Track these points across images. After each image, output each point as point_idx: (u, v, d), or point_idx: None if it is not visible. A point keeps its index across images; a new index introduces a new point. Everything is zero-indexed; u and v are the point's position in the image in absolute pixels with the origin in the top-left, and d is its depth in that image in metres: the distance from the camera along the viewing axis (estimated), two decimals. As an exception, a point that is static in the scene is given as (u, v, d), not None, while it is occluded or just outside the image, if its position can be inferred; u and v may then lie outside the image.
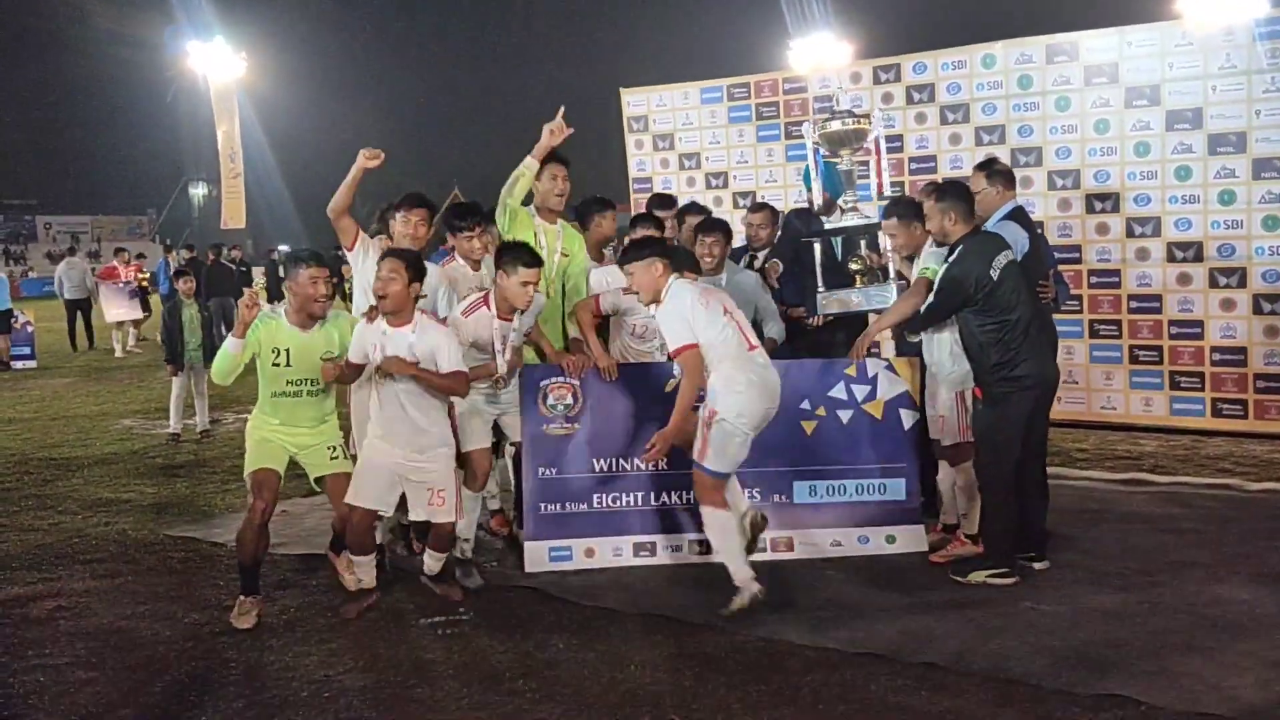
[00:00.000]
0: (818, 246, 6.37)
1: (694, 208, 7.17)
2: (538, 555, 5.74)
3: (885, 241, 6.10)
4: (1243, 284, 8.38)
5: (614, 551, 5.79)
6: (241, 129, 24.13)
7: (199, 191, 66.21)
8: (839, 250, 6.57)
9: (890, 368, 5.91)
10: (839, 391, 5.86)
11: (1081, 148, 8.88)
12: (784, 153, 10.36)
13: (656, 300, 5.18)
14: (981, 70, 9.28)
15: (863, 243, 6.29)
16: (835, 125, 6.11)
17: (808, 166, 6.58)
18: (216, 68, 23.87)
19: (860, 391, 5.87)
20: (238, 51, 24.36)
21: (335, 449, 5.31)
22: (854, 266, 6.27)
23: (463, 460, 5.47)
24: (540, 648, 4.69)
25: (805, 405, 5.85)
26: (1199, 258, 8.51)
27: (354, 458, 5.39)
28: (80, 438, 10.27)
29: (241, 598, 5.09)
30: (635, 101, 11.17)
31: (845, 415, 5.88)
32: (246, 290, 5.04)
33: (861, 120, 6.13)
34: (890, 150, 7.01)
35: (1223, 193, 8.38)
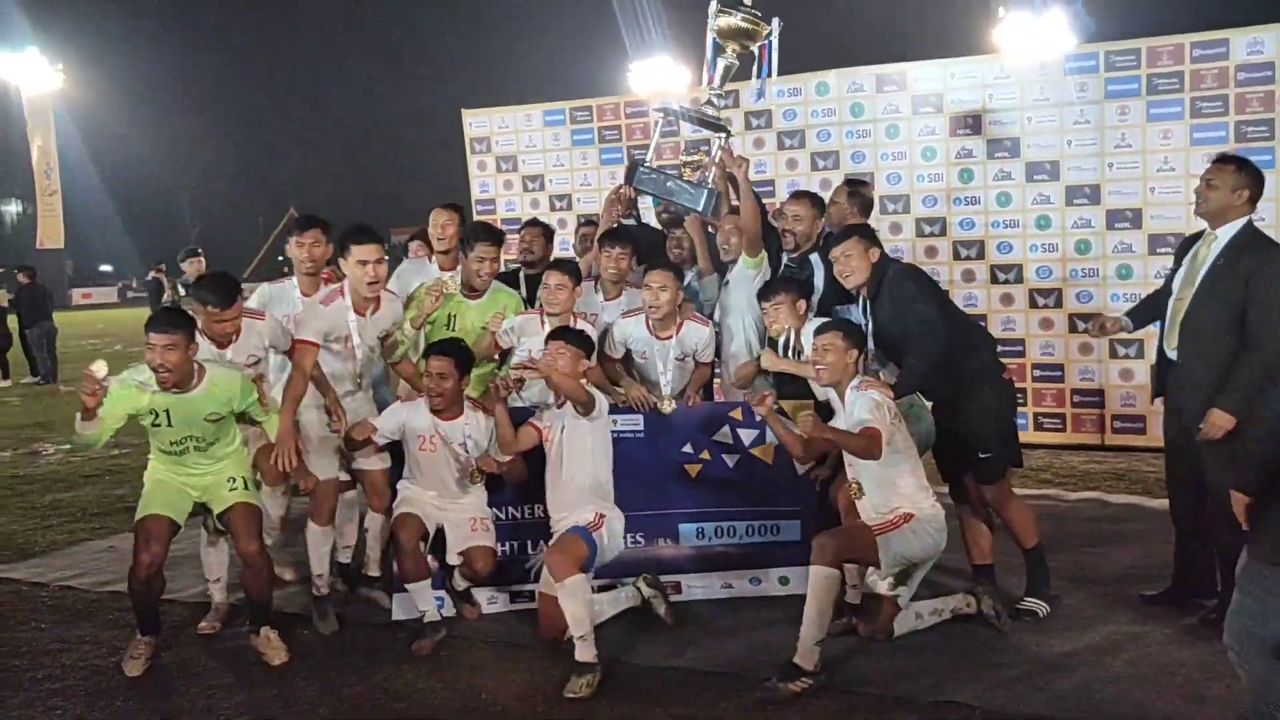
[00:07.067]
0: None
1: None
2: (408, 602, 5.25)
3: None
4: (1059, 304, 8.88)
5: (489, 600, 5.44)
6: (59, 144, 23.04)
7: (12, 209, 62.61)
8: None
9: (782, 412, 5.33)
10: (724, 435, 5.63)
11: (910, 174, 9.27)
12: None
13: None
14: (816, 97, 9.59)
15: (717, 142, 6.23)
16: (733, 19, 5.99)
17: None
18: (30, 79, 22.73)
19: (747, 435, 5.63)
20: (54, 63, 23.25)
21: (235, 480, 4.94)
22: (686, 158, 6.48)
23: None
24: (390, 679, 4.59)
25: (688, 449, 5.64)
26: (1019, 279, 8.98)
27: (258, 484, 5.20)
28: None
29: (138, 637, 4.80)
30: (477, 122, 11.12)
31: (731, 459, 5.64)
32: (86, 374, 4.56)
33: (759, 23, 6.04)
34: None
35: (1039, 218, 8.86)
